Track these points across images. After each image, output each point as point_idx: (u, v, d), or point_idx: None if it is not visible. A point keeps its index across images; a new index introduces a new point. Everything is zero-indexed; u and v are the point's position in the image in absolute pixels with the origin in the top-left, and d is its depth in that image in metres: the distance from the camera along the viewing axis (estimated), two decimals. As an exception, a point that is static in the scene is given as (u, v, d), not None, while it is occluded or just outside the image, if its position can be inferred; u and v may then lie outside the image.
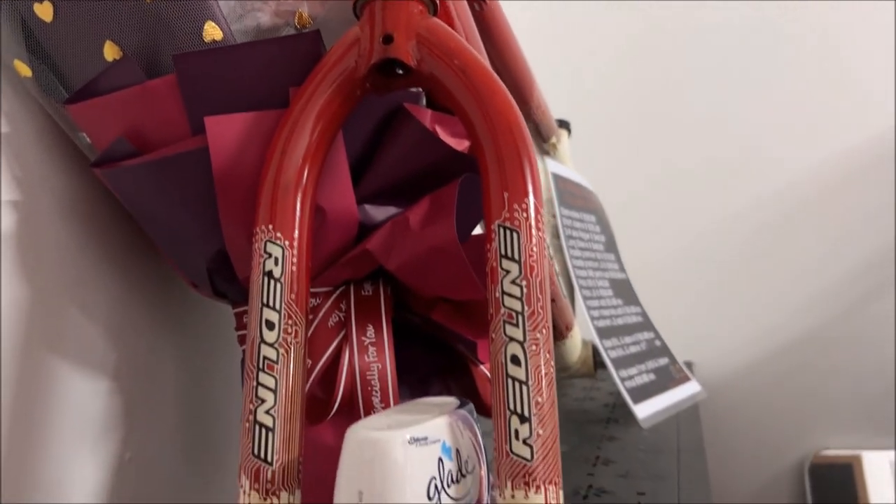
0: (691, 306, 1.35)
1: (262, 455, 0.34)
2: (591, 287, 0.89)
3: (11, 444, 0.41)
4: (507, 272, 0.34)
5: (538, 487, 0.32)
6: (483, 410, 0.52)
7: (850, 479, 1.21)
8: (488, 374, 0.50)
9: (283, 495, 0.34)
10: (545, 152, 0.91)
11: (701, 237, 1.36)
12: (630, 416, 0.79)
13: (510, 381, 0.33)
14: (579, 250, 0.91)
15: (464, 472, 0.34)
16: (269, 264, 0.37)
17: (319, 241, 0.44)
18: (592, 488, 0.50)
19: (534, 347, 0.33)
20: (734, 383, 1.32)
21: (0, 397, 0.40)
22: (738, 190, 1.34)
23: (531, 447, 0.32)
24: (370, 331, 0.45)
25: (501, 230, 0.35)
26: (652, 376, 0.91)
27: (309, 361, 0.44)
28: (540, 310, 0.34)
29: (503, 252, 0.34)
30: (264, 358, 0.36)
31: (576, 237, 0.91)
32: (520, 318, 0.33)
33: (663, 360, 0.98)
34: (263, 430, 0.35)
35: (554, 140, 0.91)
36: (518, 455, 0.32)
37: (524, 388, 0.33)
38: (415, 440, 0.32)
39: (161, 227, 0.45)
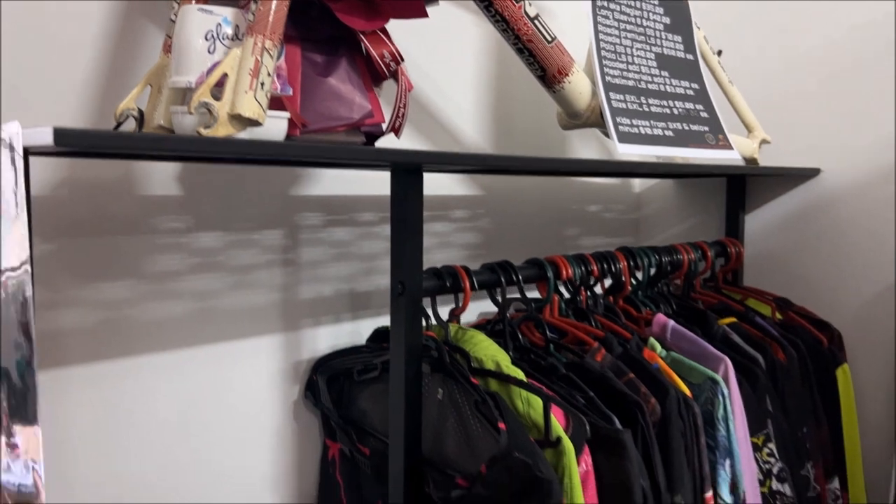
0: (821, 114, 1.34)
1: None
2: (618, 52, 1.03)
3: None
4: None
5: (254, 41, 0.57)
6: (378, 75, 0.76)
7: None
8: (373, 50, 0.74)
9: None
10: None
11: (835, 42, 1.32)
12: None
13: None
14: (615, 20, 1.04)
15: (240, 38, 0.60)
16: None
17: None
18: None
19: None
20: (862, 193, 1.30)
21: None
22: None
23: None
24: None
25: None
26: (669, 133, 1.03)
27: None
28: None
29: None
30: None
31: (612, 9, 1.04)
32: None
33: (699, 127, 1.08)
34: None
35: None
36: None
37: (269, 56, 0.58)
38: (202, 10, 0.59)
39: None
